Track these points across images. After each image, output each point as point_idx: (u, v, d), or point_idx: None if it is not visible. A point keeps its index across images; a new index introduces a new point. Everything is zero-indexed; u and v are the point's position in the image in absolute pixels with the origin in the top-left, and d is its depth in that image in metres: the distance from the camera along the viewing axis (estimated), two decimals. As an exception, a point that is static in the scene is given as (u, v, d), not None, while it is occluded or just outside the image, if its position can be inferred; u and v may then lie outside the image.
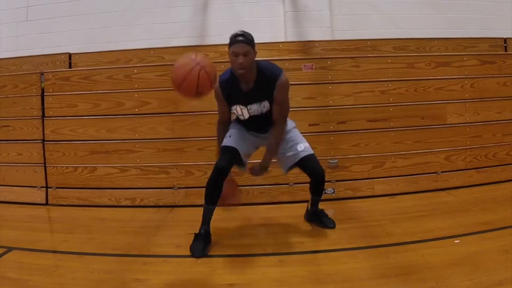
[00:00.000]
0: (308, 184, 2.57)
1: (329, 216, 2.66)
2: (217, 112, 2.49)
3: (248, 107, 2.34)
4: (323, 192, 2.60)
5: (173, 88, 2.03)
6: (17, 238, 2.58)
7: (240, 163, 2.42)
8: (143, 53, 3.93)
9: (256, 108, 2.34)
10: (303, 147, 2.42)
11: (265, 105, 2.33)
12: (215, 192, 2.31)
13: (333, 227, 2.56)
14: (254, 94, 2.29)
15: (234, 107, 2.37)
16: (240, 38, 2.18)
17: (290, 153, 2.42)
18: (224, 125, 2.47)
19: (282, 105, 2.32)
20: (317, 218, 2.64)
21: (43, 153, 3.48)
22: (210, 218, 2.36)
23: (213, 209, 2.36)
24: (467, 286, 1.74)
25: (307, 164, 2.41)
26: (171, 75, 2.02)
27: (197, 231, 2.34)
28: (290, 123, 2.51)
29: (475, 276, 1.82)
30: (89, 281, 1.95)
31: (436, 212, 2.84)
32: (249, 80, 2.26)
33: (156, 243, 2.50)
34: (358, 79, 3.40)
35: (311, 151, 2.43)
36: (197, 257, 2.19)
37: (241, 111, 2.36)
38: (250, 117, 2.37)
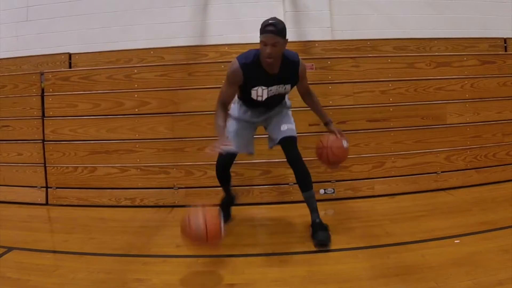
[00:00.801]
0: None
1: (327, 230, 2.37)
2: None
3: (269, 88, 2.36)
4: (310, 186, 2.41)
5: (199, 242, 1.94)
6: (17, 238, 2.59)
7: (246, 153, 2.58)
8: (143, 53, 3.92)
9: (276, 89, 2.37)
10: (286, 127, 2.46)
11: (286, 87, 2.41)
12: (225, 178, 2.62)
13: (323, 246, 2.26)
14: (278, 78, 2.34)
15: (255, 88, 2.34)
16: (270, 28, 2.17)
17: (274, 130, 2.50)
18: (224, 107, 2.37)
19: (306, 80, 2.48)
20: (312, 228, 2.38)
21: (43, 153, 3.48)
22: (229, 191, 2.73)
23: (228, 188, 2.71)
24: (467, 286, 1.74)
25: (284, 145, 2.43)
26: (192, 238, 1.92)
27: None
28: (288, 102, 2.62)
29: (475, 276, 1.82)
30: (89, 281, 1.95)
31: (436, 212, 2.84)
32: (275, 66, 2.29)
33: (156, 243, 2.51)
34: (358, 79, 3.40)
35: (291, 134, 2.45)
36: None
37: (261, 92, 2.36)
38: (268, 98, 2.39)
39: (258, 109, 2.52)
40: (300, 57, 2.39)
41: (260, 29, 2.21)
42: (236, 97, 2.51)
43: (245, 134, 2.54)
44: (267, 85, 2.33)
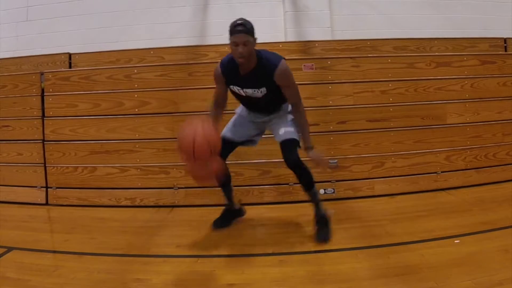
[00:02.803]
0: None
1: (328, 225, 2.44)
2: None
3: (244, 89, 2.39)
4: (311, 186, 2.41)
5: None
6: (17, 238, 2.58)
7: (245, 143, 2.57)
8: (143, 53, 3.92)
9: (251, 92, 2.38)
10: (284, 131, 2.42)
11: (262, 90, 2.35)
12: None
13: (323, 241, 2.33)
14: (249, 80, 2.33)
15: (231, 86, 2.42)
16: (240, 28, 2.21)
17: (275, 134, 2.51)
18: (216, 107, 2.48)
19: (290, 89, 2.35)
20: (318, 223, 2.44)
21: (43, 153, 3.48)
22: (229, 196, 2.65)
23: (227, 190, 2.62)
24: (467, 286, 1.74)
25: (282, 149, 2.39)
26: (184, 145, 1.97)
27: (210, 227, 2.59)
28: (287, 106, 2.51)
29: (475, 276, 1.81)
30: (89, 281, 1.95)
31: (436, 212, 2.84)
32: (248, 67, 2.31)
33: (156, 243, 2.51)
34: (358, 79, 3.40)
35: (289, 137, 2.38)
36: (214, 229, 2.54)
37: (238, 91, 2.42)
38: (247, 97, 2.41)
39: (257, 112, 2.53)
40: (283, 63, 2.29)
41: (230, 30, 2.24)
42: None
43: (242, 129, 2.56)
44: (241, 86, 2.37)
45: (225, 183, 2.57)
